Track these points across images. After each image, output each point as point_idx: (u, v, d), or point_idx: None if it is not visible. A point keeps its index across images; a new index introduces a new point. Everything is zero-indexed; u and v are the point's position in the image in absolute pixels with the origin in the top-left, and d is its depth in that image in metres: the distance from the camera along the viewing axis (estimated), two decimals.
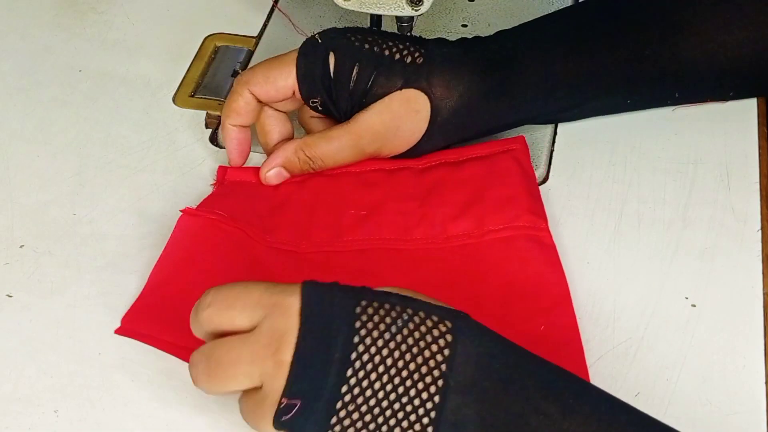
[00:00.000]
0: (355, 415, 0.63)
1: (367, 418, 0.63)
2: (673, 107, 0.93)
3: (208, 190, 0.88)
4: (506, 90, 0.86)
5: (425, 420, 0.62)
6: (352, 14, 0.95)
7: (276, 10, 1.04)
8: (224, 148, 0.92)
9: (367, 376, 0.63)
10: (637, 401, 0.74)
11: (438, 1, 0.99)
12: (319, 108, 0.86)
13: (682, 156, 0.90)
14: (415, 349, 0.63)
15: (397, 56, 0.85)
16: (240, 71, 0.98)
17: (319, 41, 0.85)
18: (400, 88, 0.84)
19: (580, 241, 0.84)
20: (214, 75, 0.99)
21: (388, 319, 0.64)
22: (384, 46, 0.85)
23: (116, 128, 0.94)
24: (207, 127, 0.94)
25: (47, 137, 0.93)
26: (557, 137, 0.93)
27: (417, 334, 0.64)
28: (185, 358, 0.72)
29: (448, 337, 0.64)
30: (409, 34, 0.91)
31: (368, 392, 0.63)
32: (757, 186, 0.88)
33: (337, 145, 0.86)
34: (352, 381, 0.63)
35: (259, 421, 0.64)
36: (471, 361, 0.63)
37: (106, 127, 0.94)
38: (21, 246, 0.84)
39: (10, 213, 0.86)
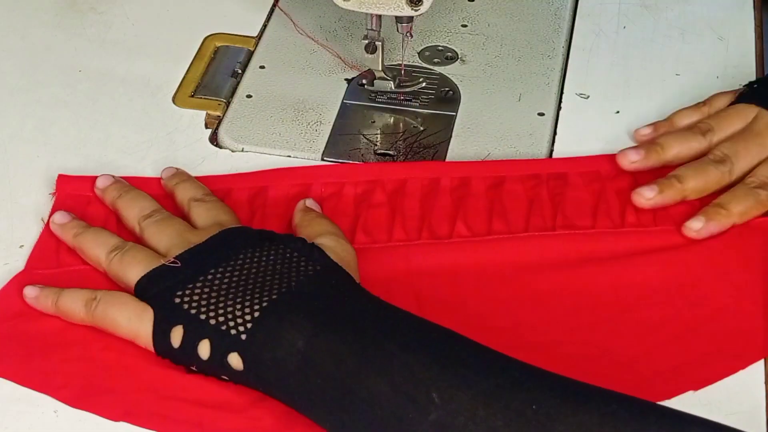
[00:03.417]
0: (206, 290, 0.74)
1: (213, 295, 0.74)
2: None
3: None
4: None
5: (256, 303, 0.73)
6: (352, 14, 0.94)
7: (276, 10, 1.04)
8: (223, 148, 0.92)
9: (237, 269, 0.75)
10: None
11: (438, 1, 0.99)
12: None
13: None
14: (277, 271, 0.75)
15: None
16: (239, 71, 0.98)
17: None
18: None
19: None
20: (214, 75, 0.99)
21: (276, 254, 0.76)
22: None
23: (116, 128, 0.94)
24: (207, 127, 0.94)
25: (47, 137, 0.93)
26: (557, 136, 0.93)
27: (290, 262, 0.76)
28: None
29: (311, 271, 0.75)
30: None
31: (230, 279, 0.75)
32: None
33: None
34: (223, 269, 0.76)
35: (136, 266, 0.78)
36: (310, 287, 0.74)
37: (106, 127, 0.94)
38: (21, 246, 0.84)
39: (10, 213, 0.86)
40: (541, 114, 0.94)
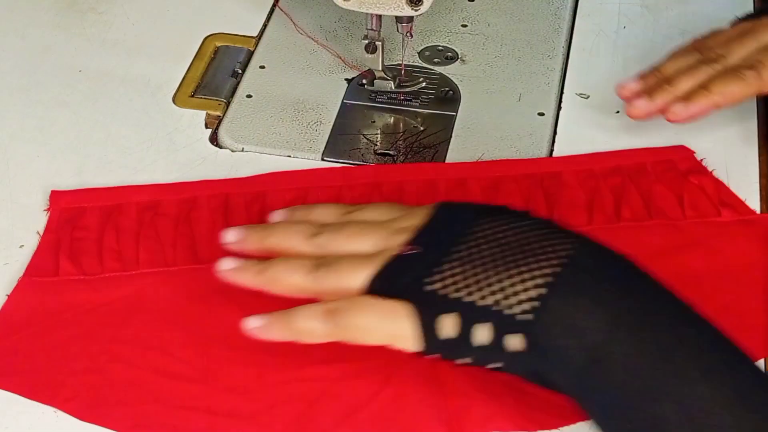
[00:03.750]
0: (460, 269, 0.67)
1: (478, 272, 0.67)
2: None
3: None
4: None
5: (539, 281, 0.66)
6: (352, 14, 0.95)
7: (276, 10, 1.04)
8: (223, 148, 0.92)
9: (486, 241, 0.68)
10: None
11: (438, 1, 0.99)
12: None
13: None
14: (538, 239, 0.68)
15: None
16: (240, 71, 0.98)
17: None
18: None
19: None
20: (214, 75, 0.99)
21: (522, 223, 0.70)
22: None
23: (116, 128, 0.94)
24: (207, 127, 0.94)
25: (47, 137, 0.93)
26: (557, 136, 0.92)
27: (546, 230, 0.69)
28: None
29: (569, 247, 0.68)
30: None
31: (484, 253, 0.68)
32: (757, 186, 0.88)
33: None
34: (465, 245, 0.68)
35: (357, 270, 0.70)
36: (590, 260, 0.67)
37: (106, 127, 0.94)
38: (21, 246, 0.84)
39: (10, 213, 0.86)
40: (541, 114, 0.94)
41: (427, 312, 0.68)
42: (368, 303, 0.70)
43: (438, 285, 0.67)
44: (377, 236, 0.73)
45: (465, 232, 0.69)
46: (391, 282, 0.70)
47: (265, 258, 0.76)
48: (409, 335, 0.68)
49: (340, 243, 0.74)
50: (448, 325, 0.67)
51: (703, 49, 0.88)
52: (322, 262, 0.72)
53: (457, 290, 0.67)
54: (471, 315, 0.66)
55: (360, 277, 0.71)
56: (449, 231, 0.70)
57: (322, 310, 0.71)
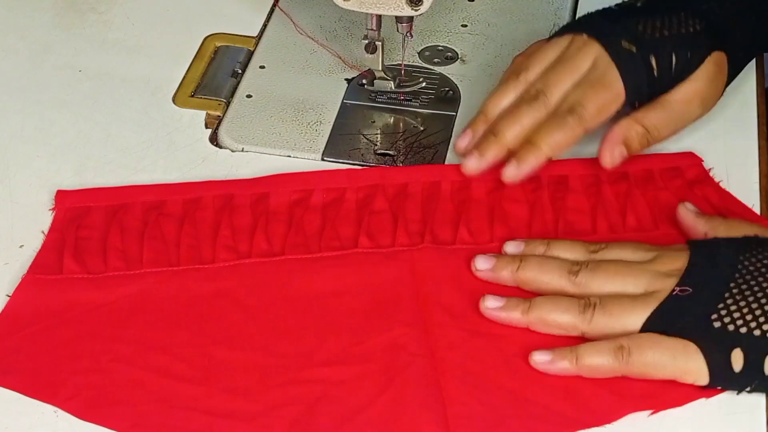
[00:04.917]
0: (743, 303, 0.73)
1: (761, 302, 0.73)
2: None
3: None
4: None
5: None
6: (352, 14, 0.95)
7: (276, 10, 1.04)
8: (223, 148, 0.92)
9: (759, 274, 0.74)
10: None
11: (438, 1, 0.99)
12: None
13: None
14: None
15: (688, 30, 0.86)
16: (239, 71, 0.98)
17: (634, 50, 0.86)
18: (708, 55, 0.87)
19: None
20: (214, 75, 0.99)
21: None
22: (670, 27, 0.87)
23: (116, 128, 0.94)
24: (207, 127, 0.94)
25: (47, 137, 0.93)
26: None
27: None
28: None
29: None
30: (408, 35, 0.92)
31: (763, 285, 0.73)
32: (757, 186, 0.88)
33: (670, 113, 0.87)
34: (740, 280, 0.74)
35: (630, 312, 0.74)
36: None
37: (106, 127, 0.94)
38: (21, 246, 0.84)
39: (10, 213, 0.86)
40: None
41: (720, 348, 0.72)
42: (657, 341, 0.73)
43: (726, 320, 0.72)
44: (641, 277, 0.76)
45: (733, 268, 0.74)
46: (671, 321, 0.74)
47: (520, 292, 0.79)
48: (700, 371, 0.73)
49: (601, 282, 0.77)
50: (739, 360, 0.72)
51: (524, 79, 0.88)
52: (590, 302, 0.76)
53: (744, 324, 0.72)
54: (759, 346, 0.72)
55: (636, 317, 0.75)
56: (717, 269, 0.75)
57: (611, 347, 0.74)
